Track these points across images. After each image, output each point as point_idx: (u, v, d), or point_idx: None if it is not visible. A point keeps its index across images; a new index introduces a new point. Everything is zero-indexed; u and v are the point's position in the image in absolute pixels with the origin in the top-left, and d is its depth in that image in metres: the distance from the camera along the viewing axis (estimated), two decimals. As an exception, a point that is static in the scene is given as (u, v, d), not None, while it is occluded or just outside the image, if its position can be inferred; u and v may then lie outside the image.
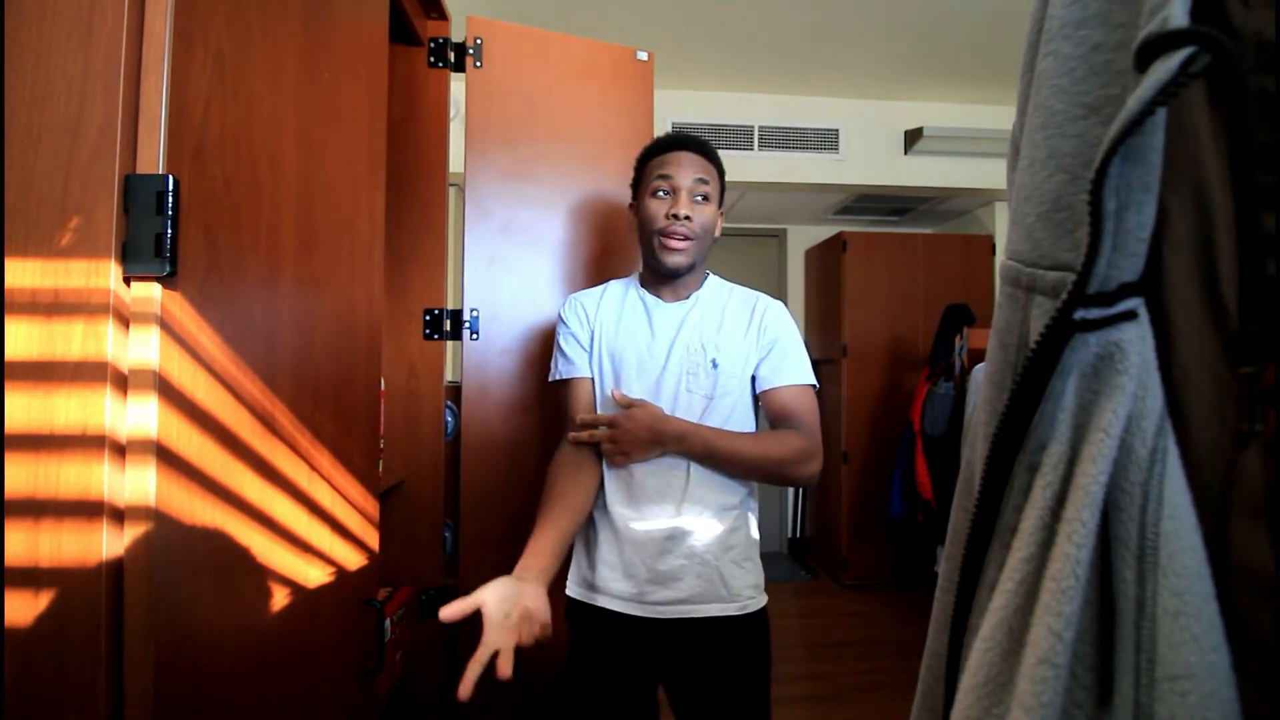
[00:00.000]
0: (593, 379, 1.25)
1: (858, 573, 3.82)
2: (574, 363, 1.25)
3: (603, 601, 1.19)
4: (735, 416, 1.21)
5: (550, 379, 1.29)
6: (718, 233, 1.25)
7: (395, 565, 1.43)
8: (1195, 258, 0.37)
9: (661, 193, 1.18)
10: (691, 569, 1.15)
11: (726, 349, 1.21)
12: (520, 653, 1.01)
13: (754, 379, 1.23)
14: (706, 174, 1.20)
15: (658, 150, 1.22)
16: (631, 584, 1.16)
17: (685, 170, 1.18)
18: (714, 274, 1.31)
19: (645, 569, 1.15)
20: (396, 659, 1.33)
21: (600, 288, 1.32)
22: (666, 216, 1.16)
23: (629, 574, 1.17)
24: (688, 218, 1.16)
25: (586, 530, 1.24)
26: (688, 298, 1.26)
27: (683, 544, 1.16)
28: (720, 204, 1.25)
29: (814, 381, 1.24)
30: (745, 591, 1.18)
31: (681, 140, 1.22)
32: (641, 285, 1.30)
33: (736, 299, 1.27)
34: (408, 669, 1.42)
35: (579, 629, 1.23)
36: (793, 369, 1.21)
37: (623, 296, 1.29)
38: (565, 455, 1.20)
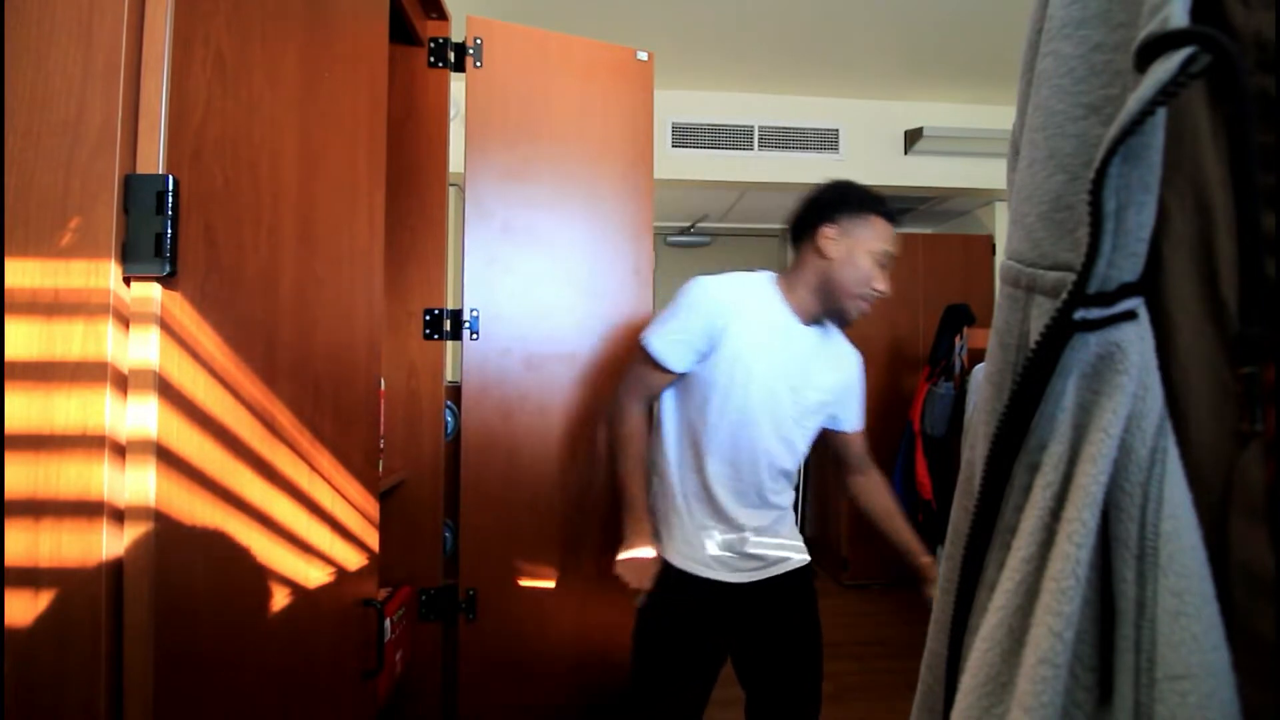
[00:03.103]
0: (681, 375, 1.30)
1: (858, 573, 3.81)
2: (674, 351, 1.27)
3: (699, 571, 1.33)
4: (802, 453, 1.39)
5: (643, 340, 1.30)
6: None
7: (395, 565, 1.43)
8: (1195, 258, 0.37)
9: (883, 264, 1.28)
10: (768, 546, 1.35)
11: (829, 391, 1.35)
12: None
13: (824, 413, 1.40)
14: None
15: (885, 215, 1.30)
16: (724, 568, 1.33)
17: (895, 253, 1.31)
18: None
19: (735, 554, 1.33)
20: (396, 659, 1.33)
21: (741, 283, 1.31)
22: (876, 287, 1.28)
23: (721, 557, 1.33)
24: (885, 296, 1.31)
25: (674, 517, 1.35)
26: (817, 324, 1.35)
27: (763, 532, 1.35)
28: None
29: None
30: (800, 550, 1.41)
31: (895, 221, 1.33)
32: (781, 291, 1.33)
33: (839, 341, 1.40)
34: (408, 669, 1.42)
35: (674, 594, 1.34)
36: (862, 414, 1.45)
37: (764, 306, 1.30)
38: (639, 421, 1.33)
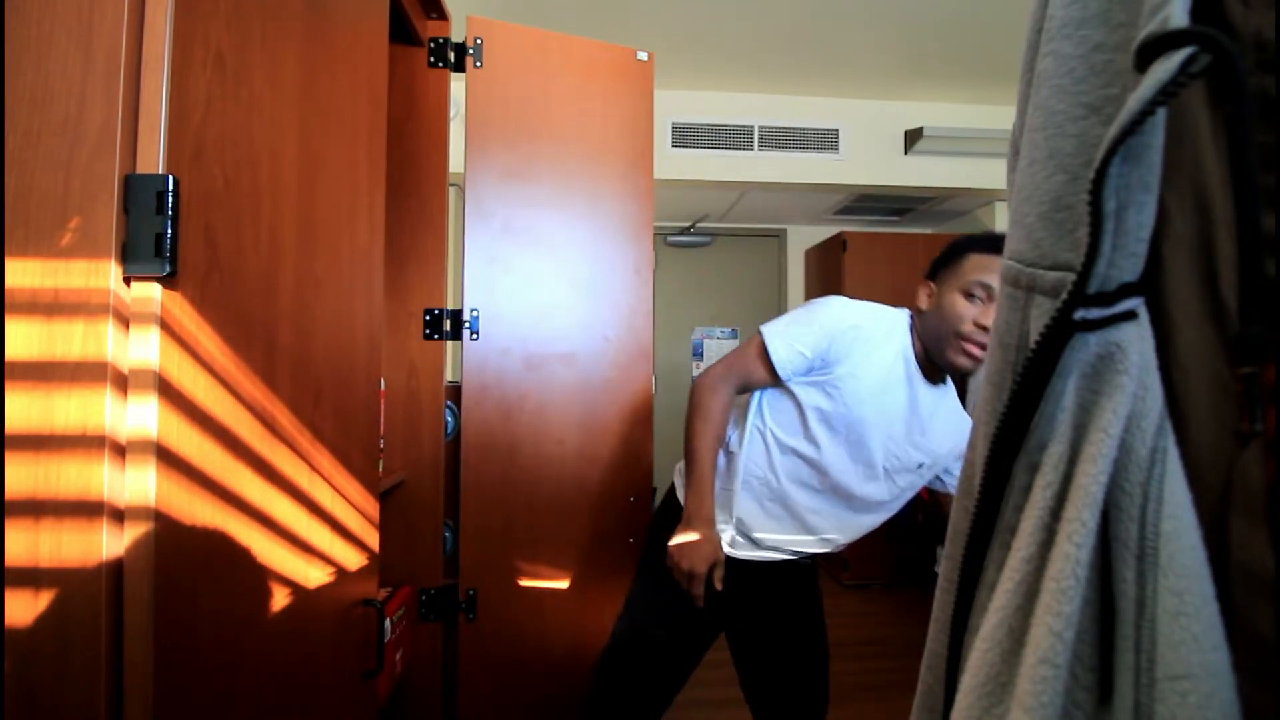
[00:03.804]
0: (777, 384, 1.27)
1: (858, 573, 3.81)
2: (789, 356, 1.22)
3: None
4: (898, 509, 1.37)
5: (764, 333, 1.26)
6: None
7: (395, 565, 1.43)
8: (1195, 258, 0.37)
9: (976, 297, 1.16)
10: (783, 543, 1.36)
11: (935, 455, 1.30)
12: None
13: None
14: None
15: (984, 249, 1.20)
16: (735, 548, 1.34)
17: (989, 281, 1.17)
18: None
19: (751, 542, 1.34)
20: (396, 659, 1.33)
21: (881, 322, 1.26)
22: (975, 323, 1.15)
23: (739, 542, 1.34)
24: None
25: (722, 495, 1.34)
26: (941, 383, 1.29)
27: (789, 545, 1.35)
28: None
29: None
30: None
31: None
32: (927, 357, 1.26)
33: (957, 401, 1.34)
34: (408, 669, 1.42)
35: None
36: None
37: (897, 357, 1.25)
38: (727, 403, 1.28)
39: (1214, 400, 0.36)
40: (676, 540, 1.23)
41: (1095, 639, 0.35)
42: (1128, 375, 0.34)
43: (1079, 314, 0.35)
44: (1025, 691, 0.33)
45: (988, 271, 1.16)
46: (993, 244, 1.19)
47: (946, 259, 1.24)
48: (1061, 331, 0.36)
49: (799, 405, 1.26)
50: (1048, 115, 0.39)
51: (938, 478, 1.38)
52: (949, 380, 1.31)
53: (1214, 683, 0.32)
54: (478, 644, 1.49)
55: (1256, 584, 0.34)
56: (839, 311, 1.25)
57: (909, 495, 1.35)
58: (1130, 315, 0.35)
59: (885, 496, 1.31)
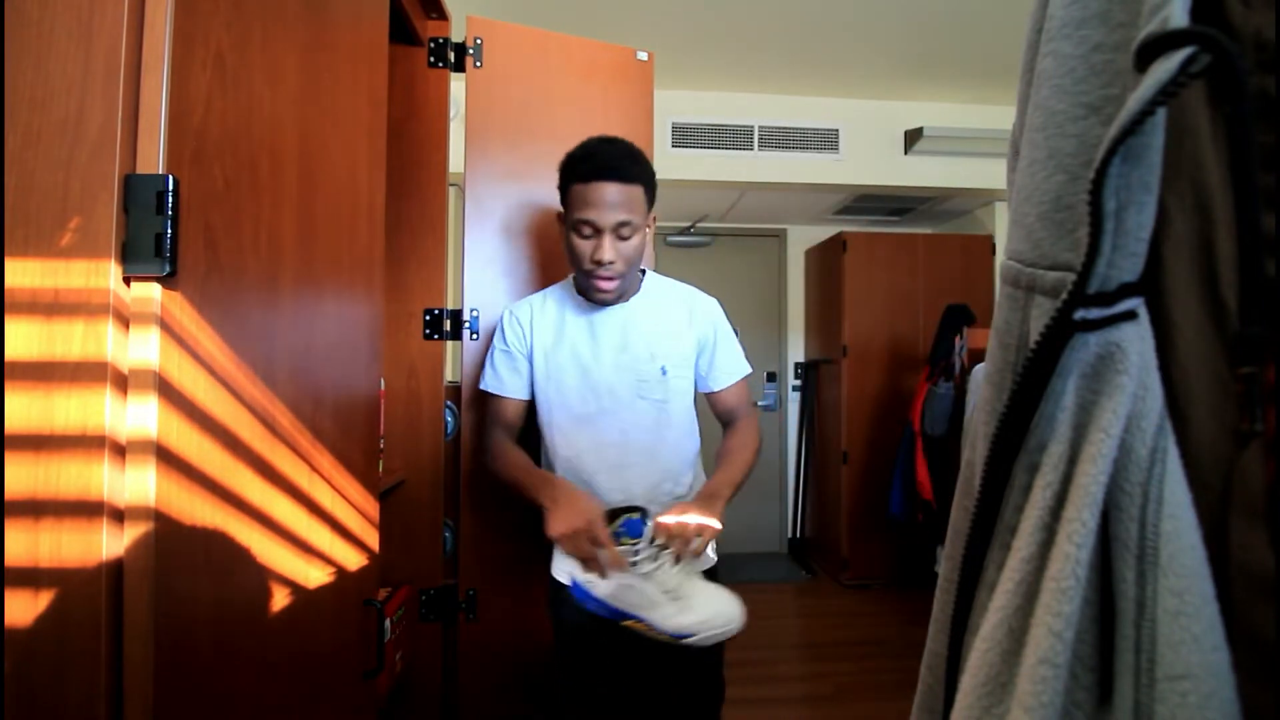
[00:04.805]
0: (526, 400, 1.31)
1: (858, 573, 3.81)
2: (504, 382, 1.31)
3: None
4: (684, 418, 1.32)
5: (480, 386, 1.35)
6: (649, 248, 1.27)
7: (395, 565, 1.43)
8: (1195, 258, 0.37)
9: (586, 234, 1.19)
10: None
11: (673, 355, 1.29)
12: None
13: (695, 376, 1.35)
14: (628, 209, 1.17)
15: (578, 178, 1.18)
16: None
17: (607, 211, 1.16)
18: (651, 271, 1.36)
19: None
20: (396, 659, 1.33)
21: (540, 295, 1.35)
22: (592, 260, 1.19)
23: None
24: (612, 261, 1.18)
25: None
26: (628, 300, 1.30)
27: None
28: (650, 210, 1.24)
29: (749, 369, 1.37)
30: (708, 551, 1.27)
31: (599, 170, 1.17)
32: (579, 291, 1.31)
33: (672, 298, 1.34)
34: (408, 669, 1.42)
35: (575, 609, 1.24)
36: (733, 367, 1.35)
37: (560, 305, 1.32)
38: (502, 439, 1.30)
39: (1214, 400, 0.36)
40: (552, 525, 1.11)
41: (1095, 639, 0.35)
42: (1128, 375, 0.34)
43: (1079, 314, 0.35)
44: (1025, 691, 0.33)
45: (585, 207, 1.16)
46: (585, 170, 1.17)
47: (560, 187, 1.24)
48: (1061, 331, 0.36)
49: (540, 402, 1.29)
50: (1048, 115, 0.39)
51: (695, 378, 1.34)
52: (632, 301, 1.30)
53: (1214, 683, 0.32)
54: (478, 644, 1.49)
55: (1256, 584, 0.34)
56: (504, 314, 1.34)
57: (679, 400, 1.30)
58: (1130, 315, 0.35)
59: (656, 413, 1.27)
